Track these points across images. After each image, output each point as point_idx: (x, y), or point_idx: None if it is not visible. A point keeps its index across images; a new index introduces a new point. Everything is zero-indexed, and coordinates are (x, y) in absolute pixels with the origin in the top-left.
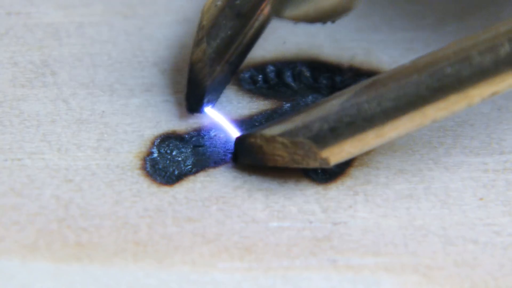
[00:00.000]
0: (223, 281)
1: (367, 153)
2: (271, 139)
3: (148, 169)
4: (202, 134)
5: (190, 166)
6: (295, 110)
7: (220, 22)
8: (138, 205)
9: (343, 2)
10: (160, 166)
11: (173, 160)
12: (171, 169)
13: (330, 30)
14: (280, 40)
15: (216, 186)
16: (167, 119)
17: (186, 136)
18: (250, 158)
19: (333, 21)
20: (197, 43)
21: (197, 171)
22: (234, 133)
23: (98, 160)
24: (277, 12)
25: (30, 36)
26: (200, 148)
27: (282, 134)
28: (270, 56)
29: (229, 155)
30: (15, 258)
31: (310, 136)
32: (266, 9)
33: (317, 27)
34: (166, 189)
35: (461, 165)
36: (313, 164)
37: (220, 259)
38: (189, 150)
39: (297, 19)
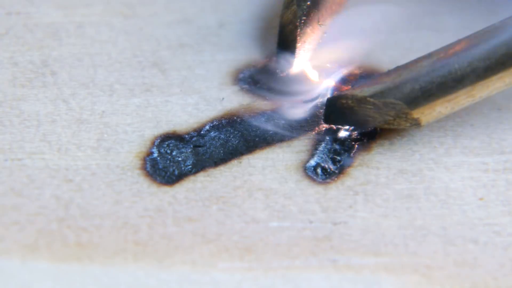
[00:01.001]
0: (223, 281)
1: (367, 153)
2: (363, 100)
3: (148, 169)
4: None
5: (190, 166)
6: (386, 72)
7: None
8: (138, 205)
9: None
10: (160, 166)
11: (173, 160)
12: (171, 169)
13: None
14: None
15: (216, 186)
16: (167, 119)
17: (186, 136)
18: (341, 119)
19: None
20: (287, 5)
21: (197, 171)
22: (326, 91)
23: (98, 160)
24: None
25: (30, 36)
26: (200, 148)
27: (373, 95)
28: (270, 56)
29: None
30: (15, 258)
31: (401, 97)
32: None
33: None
34: (166, 189)
35: (461, 165)
36: (404, 125)
37: (220, 259)
38: (189, 150)
39: None
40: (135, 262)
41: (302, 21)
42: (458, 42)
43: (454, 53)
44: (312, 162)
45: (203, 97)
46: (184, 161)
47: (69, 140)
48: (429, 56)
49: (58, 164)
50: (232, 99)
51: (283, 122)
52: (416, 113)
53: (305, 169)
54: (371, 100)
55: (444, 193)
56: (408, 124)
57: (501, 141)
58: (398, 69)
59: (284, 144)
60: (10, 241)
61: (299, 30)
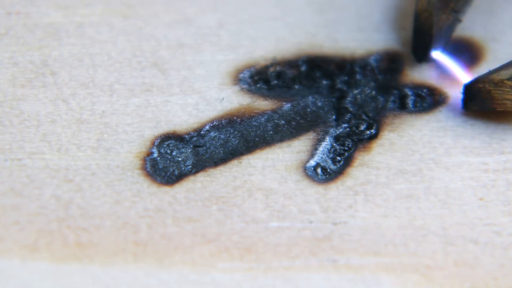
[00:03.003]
0: (223, 281)
1: (367, 153)
2: (500, 83)
3: (148, 169)
4: None
5: (190, 166)
6: None
7: None
8: (138, 205)
9: None
10: (160, 166)
11: (173, 160)
12: (171, 169)
13: (330, 30)
14: (280, 40)
15: (216, 186)
16: (167, 119)
17: (186, 136)
18: (479, 104)
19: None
20: None
21: (197, 171)
22: (463, 77)
23: (98, 160)
24: None
25: (30, 36)
26: (200, 148)
27: (511, 78)
28: (270, 56)
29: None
30: (15, 258)
31: None
32: None
33: (316, 27)
34: (166, 189)
35: (461, 165)
36: None
37: (220, 259)
38: (189, 150)
39: None
40: (135, 262)
41: (437, 8)
42: None
43: None
44: (312, 162)
45: (203, 97)
46: (184, 161)
47: (69, 140)
48: None
49: (58, 164)
50: (232, 99)
51: (283, 122)
52: None
53: (305, 169)
54: (509, 83)
55: (444, 193)
56: None
57: (501, 141)
58: None
59: (284, 144)
60: (10, 241)
61: (434, 17)
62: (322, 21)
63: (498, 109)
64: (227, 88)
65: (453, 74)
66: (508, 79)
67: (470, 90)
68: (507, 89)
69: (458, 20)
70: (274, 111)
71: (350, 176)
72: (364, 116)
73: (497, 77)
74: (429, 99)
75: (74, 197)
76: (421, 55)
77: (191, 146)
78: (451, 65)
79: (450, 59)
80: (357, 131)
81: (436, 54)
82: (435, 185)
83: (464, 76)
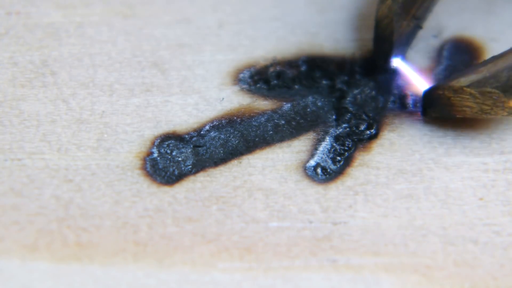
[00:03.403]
0: (223, 281)
1: (367, 153)
2: (459, 90)
3: (148, 169)
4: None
5: (190, 166)
6: (481, 61)
7: None
8: (138, 205)
9: None
10: (160, 166)
11: (173, 160)
12: (171, 169)
13: (330, 30)
14: (280, 40)
15: (216, 186)
16: (167, 119)
17: (186, 136)
18: (438, 110)
19: None
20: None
21: (197, 171)
22: (422, 85)
23: (98, 160)
24: None
25: (30, 36)
26: (200, 148)
27: (470, 85)
28: (270, 56)
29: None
30: (15, 258)
31: (498, 86)
32: None
33: (316, 27)
34: (166, 189)
35: (461, 165)
36: (501, 113)
37: (220, 259)
38: (189, 150)
39: None
40: (135, 262)
41: (398, 15)
42: None
43: None
44: (312, 162)
45: (203, 97)
46: (184, 161)
47: (69, 140)
48: None
49: (58, 164)
50: (232, 99)
51: (283, 122)
52: None
53: (305, 169)
54: (468, 90)
55: (444, 193)
56: (505, 113)
57: (501, 141)
58: (493, 58)
59: (284, 144)
60: (10, 241)
61: (394, 24)
62: (322, 21)
63: (458, 116)
64: (227, 88)
65: (413, 80)
66: (468, 86)
67: (429, 97)
68: (467, 96)
69: (418, 27)
70: (274, 111)
71: (350, 176)
72: (364, 116)
73: (456, 84)
74: None
75: (74, 197)
76: (381, 62)
77: (191, 146)
78: (410, 72)
79: (409, 66)
80: (357, 131)
81: (397, 61)
82: (435, 185)
83: (423, 82)
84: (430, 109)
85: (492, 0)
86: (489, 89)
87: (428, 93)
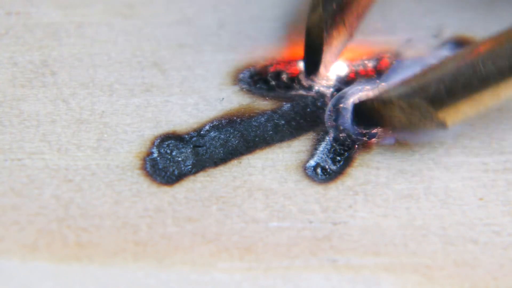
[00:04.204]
0: (223, 281)
1: (367, 153)
2: (388, 102)
3: (148, 169)
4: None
5: (190, 166)
6: (412, 73)
7: None
8: (138, 205)
9: None
10: (160, 166)
11: (173, 160)
12: (171, 169)
13: None
14: (280, 40)
15: (216, 186)
16: (167, 119)
17: (186, 136)
18: (368, 121)
19: None
20: (313, 8)
21: (197, 171)
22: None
23: (98, 160)
24: None
25: (30, 36)
26: (200, 148)
27: (399, 97)
28: (270, 56)
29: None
30: (15, 258)
31: (426, 98)
32: None
33: None
34: (166, 189)
35: (461, 165)
36: (429, 126)
37: (220, 259)
38: (189, 150)
39: None
40: (135, 262)
41: (328, 24)
42: (484, 42)
43: (479, 53)
44: (312, 162)
45: (203, 97)
46: (184, 161)
47: (69, 140)
48: (454, 56)
49: (58, 164)
50: (232, 99)
51: (283, 122)
52: (442, 114)
53: (305, 169)
54: (397, 101)
55: (444, 193)
56: (433, 125)
57: (501, 141)
58: (423, 70)
59: (284, 144)
60: (10, 241)
61: (325, 33)
62: None
63: (387, 127)
64: (227, 88)
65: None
66: (396, 97)
67: (359, 107)
68: (395, 107)
69: (350, 36)
70: (274, 111)
71: (350, 176)
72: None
73: (385, 95)
74: None
75: (74, 197)
76: (311, 70)
77: (191, 146)
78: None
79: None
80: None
81: (326, 70)
82: (434, 185)
83: (354, 92)
84: (360, 119)
85: (492, 0)
86: (417, 101)
87: (358, 104)
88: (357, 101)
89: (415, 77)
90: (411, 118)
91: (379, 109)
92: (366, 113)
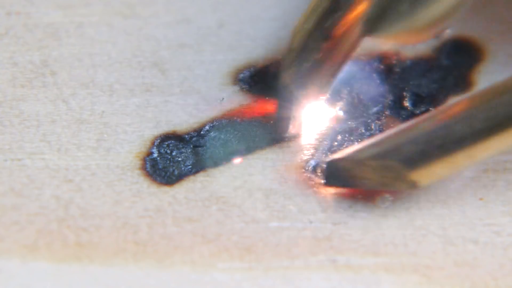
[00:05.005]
0: (223, 281)
1: None
2: (360, 162)
3: (148, 169)
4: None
5: (190, 166)
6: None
7: (310, 45)
8: (138, 205)
9: (436, 24)
10: (160, 166)
11: (173, 160)
12: (171, 169)
13: None
14: (280, 40)
15: (216, 186)
16: (167, 119)
17: (186, 136)
18: (339, 181)
19: (424, 42)
20: (287, 67)
21: (197, 171)
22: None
23: (98, 160)
24: (368, 32)
25: (30, 36)
26: (200, 148)
27: (371, 157)
28: (270, 56)
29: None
30: (15, 258)
31: (400, 159)
32: (357, 29)
33: None
34: (166, 189)
35: None
36: (402, 187)
37: (220, 259)
38: (189, 150)
39: (389, 40)
40: (135, 262)
41: (303, 83)
42: (458, 102)
43: (454, 114)
44: (312, 162)
45: (203, 97)
46: (184, 161)
47: (69, 140)
48: (428, 117)
49: (58, 164)
50: (232, 99)
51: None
52: (415, 176)
53: (305, 169)
54: (369, 162)
55: (444, 193)
56: (406, 187)
57: None
58: (397, 130)
59: (284, 144)
60: (10, 241)
61: (299, 91)
62: None
63: (358, 188)
64: (227, 88)
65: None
66: (369, 158)
67: (332, 166)
68: (368, 168)
69: (323, 94)
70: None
71: None
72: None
73: (358, 155)
74: (428, 99)
75: (74, 197)
76: (283, 127)
77: (191, 146)
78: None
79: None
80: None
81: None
82: (434, 185)
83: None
84: (332, 179)
85: (492, 0)
86: (390, 162)
87: (331, 163)
88: (329, 160)
89: (388, 137)
90: (383, 179)
91: (350, 169)
92: (338, 172)
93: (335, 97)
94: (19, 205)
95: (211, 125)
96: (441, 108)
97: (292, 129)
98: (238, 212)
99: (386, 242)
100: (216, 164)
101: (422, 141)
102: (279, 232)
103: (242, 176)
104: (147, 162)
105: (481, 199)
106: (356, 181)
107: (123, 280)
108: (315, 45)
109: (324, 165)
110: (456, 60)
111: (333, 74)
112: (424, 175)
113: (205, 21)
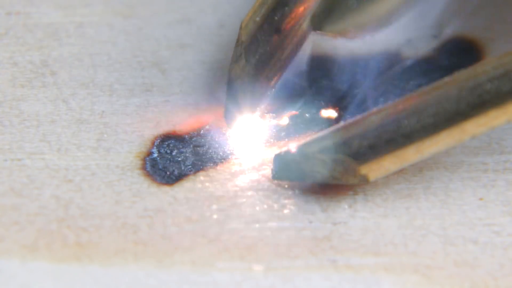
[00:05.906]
0: (223, 281)
1: None
2: (310, 156)
3: (148, 169)
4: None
5: (190, 166)
6: (334, 126)
7: (258, 38)
8: (138, 205)
9: (381, 18)
10: (160, 166)
11: (173, 160)
12: (171, 169)
13: None
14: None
15: (216, 186)
16: (167, 119)
17: (186, 136)
18: (288, 174)
19: (372, 36)
20: (236, 59)
21: (197, 171)
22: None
23: (98, 160)
24: (316, 27)
25: (30, 36)
26: (199, 148)
27: (321, 151)
28: None
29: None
30: (15, 258)
31: (349, 153)
32: (305, 24)
33: None
34: (166, 189)
35: (461, 165)
36: (352, 181)
37: (220, 259)
38: (189, 150)
39: (336, 35)
40: (135, 262)
41: (251, 76)
42: (407, 97)
43: (403, 108)
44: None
45: (203, 97)
46: (184, 161)
47: (69, 140)
48: (378, 111)
49: (58, 164)
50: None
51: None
52: (364, 169)
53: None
54: (319, 156)
55: (444, 193)
56: (356, 180)
57: (501, 141)
58: (346, 124)
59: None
60: (10, 241)
61: (248, 84)
62: None
63: (308, 181)
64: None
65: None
66: (318, 151)
67: (279, 160)
68: (317, 162)
69: (271, 88)
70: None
71: None
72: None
73: (307, 149)
74: None
75: (74, 197)
76: (232, 120)
77: (191, 146)
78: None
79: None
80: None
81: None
82: (434, 185)
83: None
84: (280, 172)
85: (492, 0)
86: (340, 156)
87: (278, 156)
88: (277, 153)
89: (338, 131)
90: (333, 173)
91: (300, 163)
92: (286, 166)
93: (285, 89)
94: (19, 205)
95: (211, 125)
96: (390, 103)
97: (239, 121)
98: (238, 212)
99: (386, 242)
100: (216, 164)
101: (371, 135)
102: (279, 232)
103: (242, 176)
104: (147, 162)
105: (481, 199)
106: (306, 175)
107: (123, 280)
108: (264, 38)
109: (272, 158)
110: (456, 60)
111: (282, 67)
112: (373, 169)
113: (205, 21)
